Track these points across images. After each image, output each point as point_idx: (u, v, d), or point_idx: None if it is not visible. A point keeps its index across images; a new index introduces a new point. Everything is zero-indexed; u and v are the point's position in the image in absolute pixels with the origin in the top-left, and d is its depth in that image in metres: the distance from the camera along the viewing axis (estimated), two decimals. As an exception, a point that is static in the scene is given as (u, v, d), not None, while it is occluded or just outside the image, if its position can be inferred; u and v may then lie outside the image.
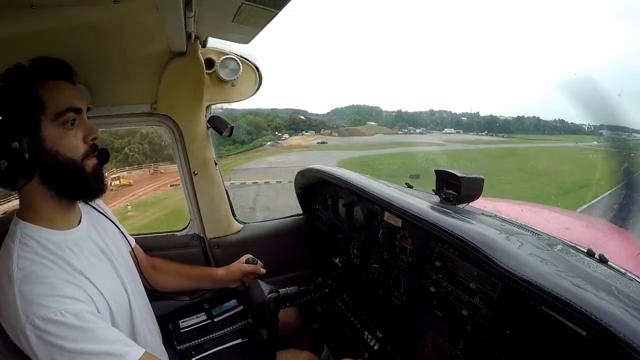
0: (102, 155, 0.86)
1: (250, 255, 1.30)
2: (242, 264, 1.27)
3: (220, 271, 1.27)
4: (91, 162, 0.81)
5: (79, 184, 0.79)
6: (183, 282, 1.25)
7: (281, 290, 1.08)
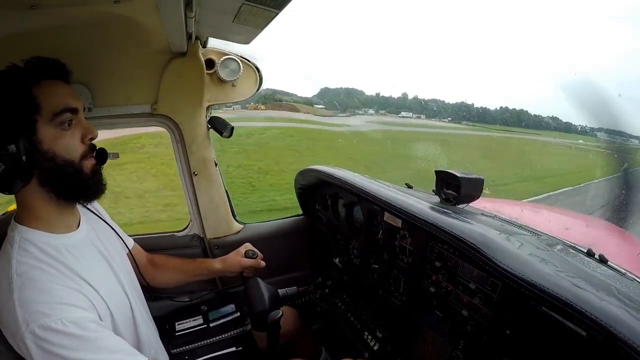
0: (100, 156, 0.85)
1: (249, 246, 1.26)
2: (240, 259, 1.22)
3: (218, 265, 1.23)
4: (89, 163, 0.80)
5: (77, 186, 0.78)
6: (182, 277, 1.23)
7: (280, 291, 1.07)
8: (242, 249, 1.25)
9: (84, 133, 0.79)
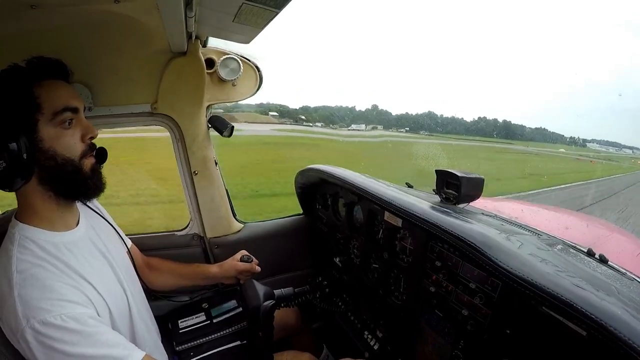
0: (100, 155, 0.85)
1: (245, 252, 1.27)
2: (236, 262, 1.24)
3: (214, 269, 1.24)
4: (89, 162, 0.81)
5: (77, 184, 0.79)
6: (177, 280, 1.24)
7: (276, 292, 1.08)
8: (238, 255, 1.27)
9: (84, 132, 0.79)
